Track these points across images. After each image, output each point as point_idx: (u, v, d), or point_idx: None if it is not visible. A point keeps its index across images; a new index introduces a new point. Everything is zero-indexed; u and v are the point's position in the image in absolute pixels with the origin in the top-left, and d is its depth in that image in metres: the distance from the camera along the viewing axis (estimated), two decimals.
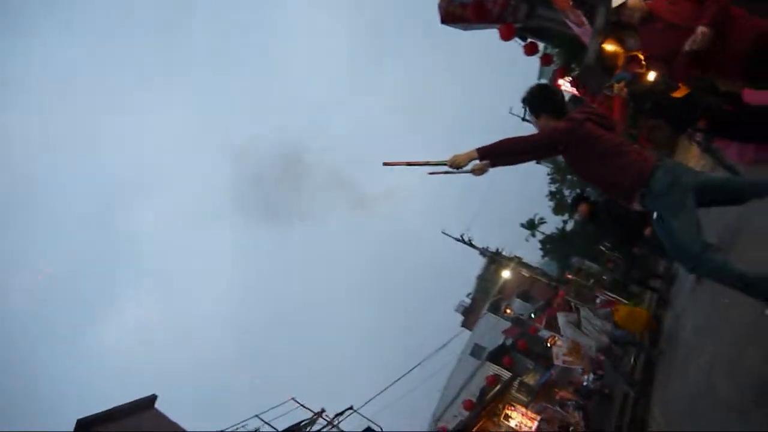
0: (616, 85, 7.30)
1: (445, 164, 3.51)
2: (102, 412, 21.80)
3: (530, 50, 14.41)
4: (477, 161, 3.49)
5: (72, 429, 20.50)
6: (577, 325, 24.43)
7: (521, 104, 4.01)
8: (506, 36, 12.67)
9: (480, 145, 3.48)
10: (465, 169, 3.46)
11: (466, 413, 20.90)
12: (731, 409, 3.77)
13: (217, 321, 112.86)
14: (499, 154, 3.49)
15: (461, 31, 15.42)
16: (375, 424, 23.24)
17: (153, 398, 24.03)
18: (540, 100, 3.91)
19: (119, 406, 22.66)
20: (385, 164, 3.53)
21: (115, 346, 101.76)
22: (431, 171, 3.58)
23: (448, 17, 13.79)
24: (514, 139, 3.59)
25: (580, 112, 3.76)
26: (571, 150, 3.67)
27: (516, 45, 13.90)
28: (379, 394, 26.29)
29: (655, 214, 3.55)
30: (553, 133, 3.66)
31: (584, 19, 10.92)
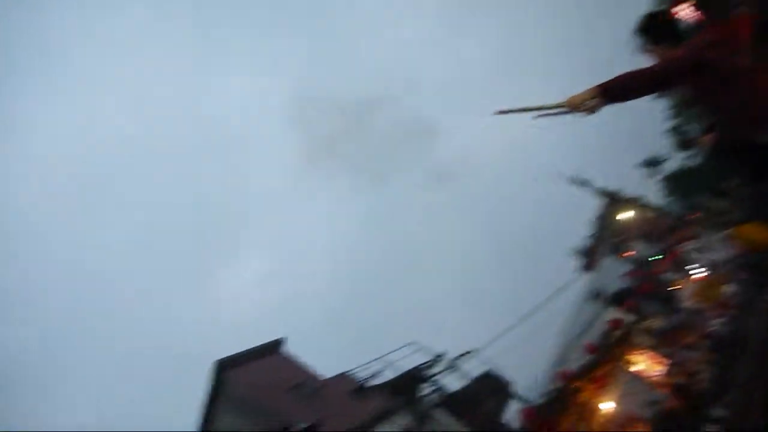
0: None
1: (562, 106, 3.35)
2: (235, 355, 23.58)
3: None
4: (592, 100, 3.27)
5: (211, 370, 22.38)
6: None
7: (635, 35, 3.69)
8: None
9: (596, 83, 3.27)
10: (564, 107, 3.30)
11: (588, 357, 20.56)
12: None
13: (334, 271, 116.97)
14: (620, 89, 3.29)
15: None
16: (495, 366, 23.52)
17: (280, 341, 25.62)
18: (657, 28, 3.62)
19: (250, 349, 24.40)
20: (497, 113, 3.44)
21: (239, 294, 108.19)
22: (539, 114, 3.44)
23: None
24: (634, 72, 3.36)
25: (702, 38, 3.45)
26: (695, 79, 3.39)
27: None
28: (497, 338, 26.43)
29: None
30: (676, 61, 3.40)
31: None
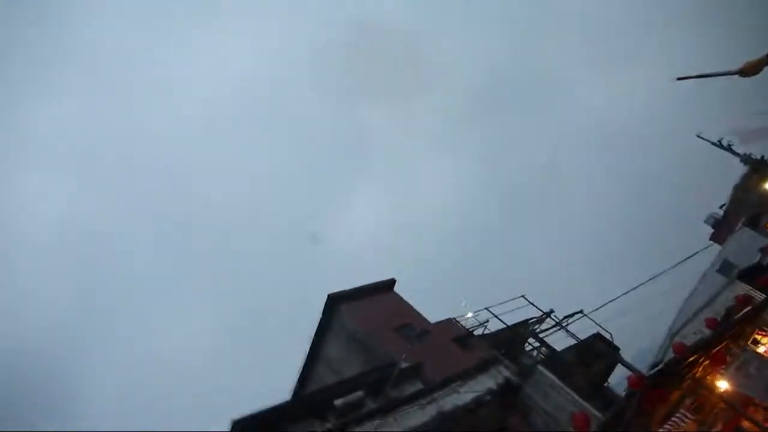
0: None
1: (735, 72, 3.48)
2: (349, 290, 24.49)
3: None
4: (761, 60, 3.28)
5: (325, 304, 23.44)
6: None
7: None
8: None
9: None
10: (743, 71, 3.35)
11: (708, 331, 19.50)
12: None
13: (445, 220, 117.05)
14: None
15: None
16: (605, 330, 22.88)
17: (392, 282, 26.24)
18: None
19: (363, 286, 25.21)
20: (679, 79, 3.77)
21: (354, 235, 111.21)
22: (682, 77, 3.56)
23: None
24: None
25: None
26: None
27: None
28: (611, 302, 25.61)
29: None
30: None
31: None
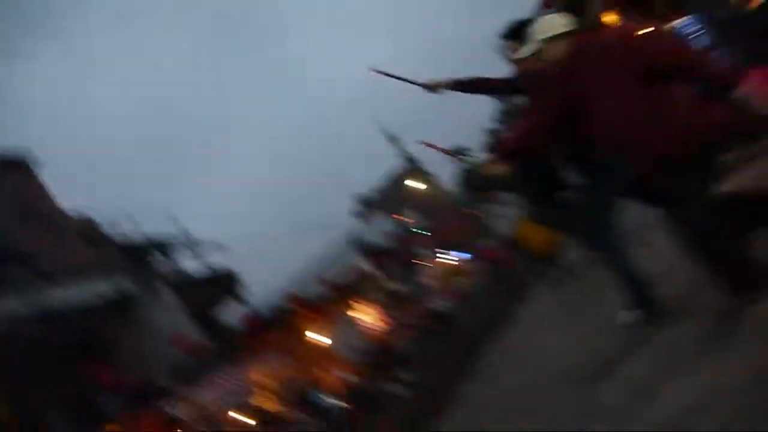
0: None
1: (421, 85, 3.88)
2: None
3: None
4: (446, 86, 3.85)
5: None
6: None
7: (501, 38, 3.83)
8: None
9: (455, 76, 3.84)
10: (427, 86, 3.86)
11: (322, 290, 21.61)
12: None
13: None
14: (472, 88, 3.86)
15: None
16: (234, 267, 23.70)
17: (25, 160, 22.92)
18: (518, 34, 3.66)
19: None
20: (374, 71, 3.90)
21: None
22: (378, 70, 3.93)
23: None
24: (480, 78, 3.84)
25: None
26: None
27: None
28: (250, 243, 26.59)
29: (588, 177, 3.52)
30: (501, 82, 3.80)
31: None
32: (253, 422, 14.94)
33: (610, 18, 10.08)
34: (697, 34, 6.11)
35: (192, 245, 22.76)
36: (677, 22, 6.34)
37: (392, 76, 3.92)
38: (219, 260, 24.02)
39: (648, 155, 2.87)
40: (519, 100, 3.94)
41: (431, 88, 3.86)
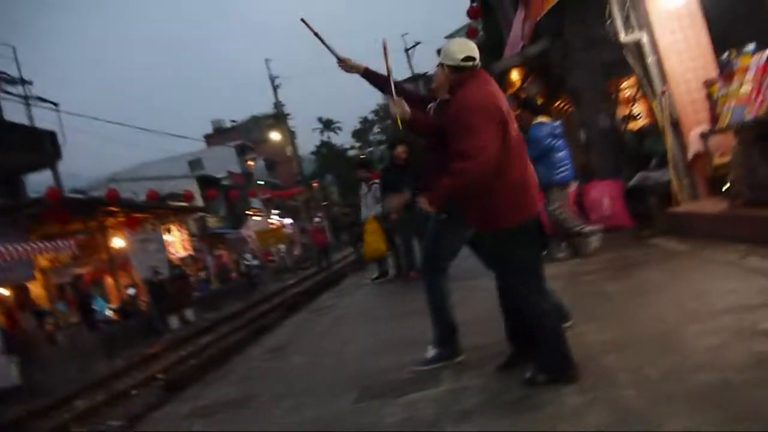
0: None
1: (338, 57, 3.84)
2: None
3: (473, 13, 14.28)
4: (356, 67, 3.83)
5: None
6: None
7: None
8: None
9: (370, 67, 3.83)
10: (342, 61, 3.83)
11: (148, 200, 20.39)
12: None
13: None
14: (376, 83, 3.83)
15: None
16: (62, 132, 21.54)
17: None
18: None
19: None
20: (302, 20, 3.74)
21: None
22: (307, 23, 3.77)
23: None
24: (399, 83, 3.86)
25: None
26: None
27: None
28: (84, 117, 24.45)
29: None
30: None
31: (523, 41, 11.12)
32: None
33: None
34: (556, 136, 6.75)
35: (23, 84, 20.15)
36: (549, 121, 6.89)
37: (316, 35, 3.78)
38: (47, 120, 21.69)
39: (472, 216, 3.24)
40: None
41: (345, 65, 3.84)
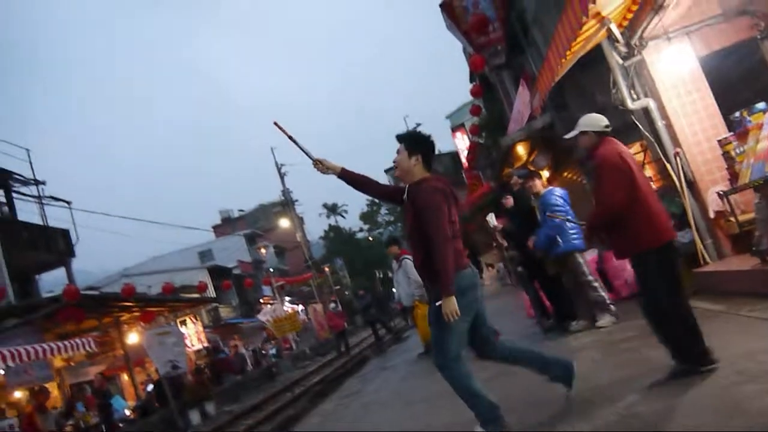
0: (515, 177, 7.65)
1: (312, 158, 3.93)
2: None
3: (476, 92, 14.72)
4: (332, 168, 3.91)
5: None
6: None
7: (400, 140, 3.95)
8: (476, 66, 12.83)
9: (346, 166, 3.94)
10: (317, 162, 3.91)
11: (160, 292, 20.45)
12: None
13: None
14: (354, 182, 3.96)
15: (443, 24, 15.40)
16: (75, 230, 21.83)
17: None
18: (423, 145, 3.94)
19: None
20: (275, 123, 3.87)
21: None
22: (280, 126, 3.88)
23: (448, 7, 13.65)
24: (372, 181, 4.02)
25: (442, 182, 3.87)
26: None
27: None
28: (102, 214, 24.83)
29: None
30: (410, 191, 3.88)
31: (528, 110, 11.38)
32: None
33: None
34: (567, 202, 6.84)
35: (39, 193, 20.65)
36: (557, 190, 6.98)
37: (290, 138, 3.88)
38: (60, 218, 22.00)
39: (620, 245, 4.02)
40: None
41: (321, 166, 3.91)
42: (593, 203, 4.11)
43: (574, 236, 6.66)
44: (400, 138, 3.93)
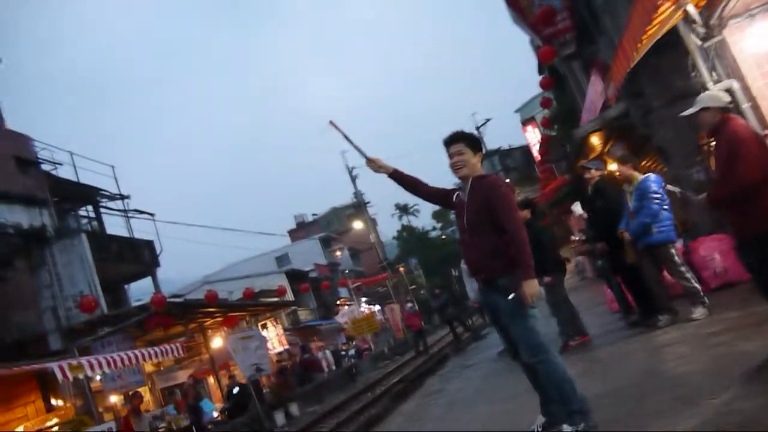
0: (593, 170, 7.42)
1: (366, 157, 4.05)
2: None
3: (546, 84, 14.45)
4: (384, 167, 4.03)
5: None
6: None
7: (459, 140, 3.96)
8: (545, 58, 12.62)
9: (399, 168, 4.09)
10: (370, 161, 4.04)
11: (242, 297, 21.13)
12: None
13: None
14: (404, 183, 4.08)
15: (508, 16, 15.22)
16: (158, 241, 22.75)
17: None
18: (480, 144, 4.11)
19: None
20: (330, 122, 3.99)
21: None
22: (335, 124, 4.01)
23: (513, 1, 13.48)
24: (421, 183, 4.13)
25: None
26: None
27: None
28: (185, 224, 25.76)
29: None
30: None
31: (601, 99, 11.09)
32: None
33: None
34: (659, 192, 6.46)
35: (124, 207, 21.69)
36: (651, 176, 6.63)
37: (345, 137, 4.00)
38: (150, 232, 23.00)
39: (744, 223, 3.99)
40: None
41: (373, 164, 4.02)
42: (716, 179, 4.08)
43: (669, 226, 6.41)
44: (461, 138, 4.00)
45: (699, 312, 6.14)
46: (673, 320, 6.38)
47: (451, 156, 3.92)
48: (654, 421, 3.32)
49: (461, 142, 3.95)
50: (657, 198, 6.34)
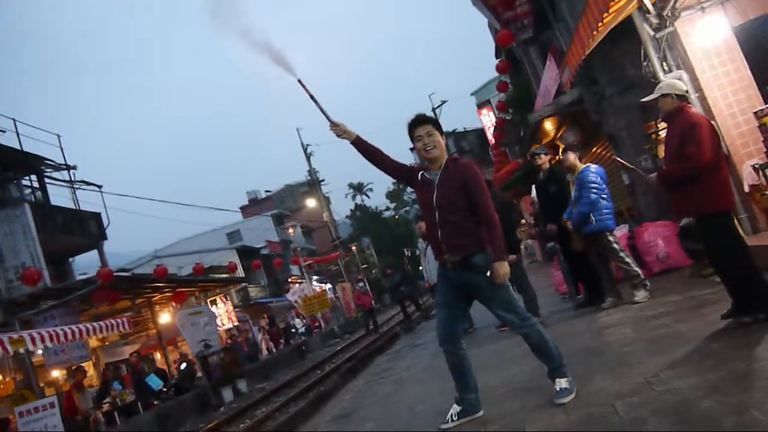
0: (542, 155, 7.54)
1: (331, 121, 4.07)
2: None
3: (502, 68, 14.57)
4: (348, 134, 4.05)
5: None
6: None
7: (427, 123, 4.04)
8: (503, 41, 12.70)
9: (361, 134, 4.10)
10: (335, 125, 4.05)
11: (191, 272, 20.80)
12: None
13: None
14: (366, 152, 4.07)
15: None
16: (107, 215, 22.21)
17: None
18: (441, 127, 4.18)
19: None
20: (299, 81, 3.96)
21: None
22: (314, 98, 4.01)
23: None
24: (385, 155, 4.13)
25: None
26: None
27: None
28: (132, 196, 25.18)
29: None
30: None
31: (556, 85, 11.23)
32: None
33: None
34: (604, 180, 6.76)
35: (70, 178, 20.98)
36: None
37: (311, 97, 4.01)
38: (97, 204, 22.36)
39: (688, 204, 4.35)
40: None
41: (337, 129, 4.04)
42: (668, 159, 4.43)
43: (607, 215, 6.62)
44: (429, 120, 4.10)
45: (641, 295, 6.38)
46: (617, 303, 6.61)
47: (419, 138, 3.99)
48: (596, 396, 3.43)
49: (429, 123, 4.04)
50: (595, 188, 6.55)
